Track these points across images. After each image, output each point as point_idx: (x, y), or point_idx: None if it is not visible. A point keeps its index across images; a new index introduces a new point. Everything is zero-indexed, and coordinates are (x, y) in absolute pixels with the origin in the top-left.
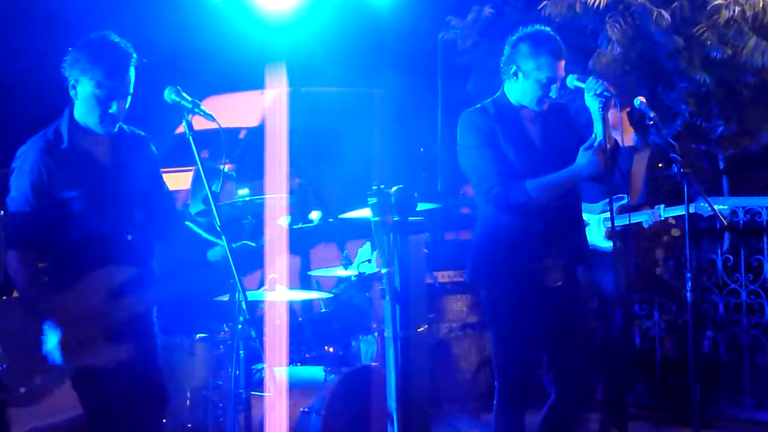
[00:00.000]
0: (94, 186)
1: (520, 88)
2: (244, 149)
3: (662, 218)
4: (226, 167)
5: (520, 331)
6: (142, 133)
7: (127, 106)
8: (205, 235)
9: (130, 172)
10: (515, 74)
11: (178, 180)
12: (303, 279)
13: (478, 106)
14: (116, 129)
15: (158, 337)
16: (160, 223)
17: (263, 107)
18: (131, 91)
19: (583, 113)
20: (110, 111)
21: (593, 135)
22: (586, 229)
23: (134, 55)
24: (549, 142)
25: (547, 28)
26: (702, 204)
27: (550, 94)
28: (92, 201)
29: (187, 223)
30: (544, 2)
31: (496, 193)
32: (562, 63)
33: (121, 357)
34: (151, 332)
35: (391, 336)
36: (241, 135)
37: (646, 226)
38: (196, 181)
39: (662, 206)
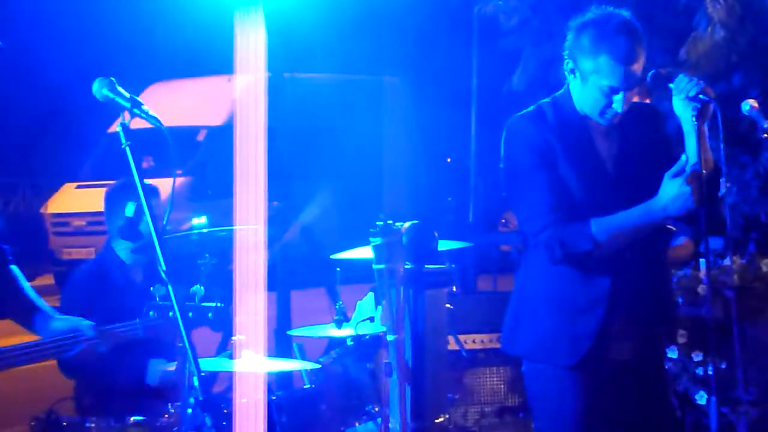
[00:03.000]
0: None
1: (579, 91)
2: (204, 157)
3: None
4: (178, 181)
5: (573, 422)
6: None
7: None
8: (30, 294)
9: None
10: (572, 72)
11: None
12: (280, 341)
13: (532, 108)
14: None
15: None
16: None
17: (231, 99)
18: None
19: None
20: None
21: (683, 156)
22: None
23: None
24: (626, 164)
25: (624, 13)
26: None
27: (614, 107)
28: None
29: (13, 267)
30: None
31: (550, 237)
32: (635, 65)
33: None
34: None
35: (398, 428)
36: (200, 136)
37: None
38: (109, 204)
39: None
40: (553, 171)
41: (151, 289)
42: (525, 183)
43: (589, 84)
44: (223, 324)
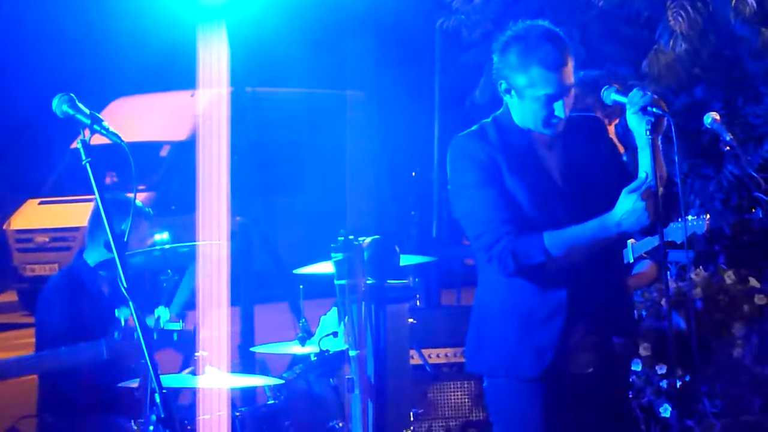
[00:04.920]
0: None
1: (518, 109)
2: (167, 172)
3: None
4: (139, 198)
5: None
6: None
7: None
8: None
9: None
10: (508, 92)
11: (75, 213)
12: (243, 357)
13: (475, 128)
14: None
15: None
16: None
17: (194, 114)
18: None
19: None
20: None
21: (642, 172)
22: None
23: None
24: (574, 174)
25: (544, 22)
26: (675, 226)
27: (557, 114)
28: None
29: None
30: None
31: (502, 251)
32: (566, 69)
33: None
34: None
35: None
36: (163, 152)
37: None
38: (96, 218)
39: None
40: (500, 186)
41: (116, 312)
42: (473, 200)
43: (527, 98)
44: (187, 345)
